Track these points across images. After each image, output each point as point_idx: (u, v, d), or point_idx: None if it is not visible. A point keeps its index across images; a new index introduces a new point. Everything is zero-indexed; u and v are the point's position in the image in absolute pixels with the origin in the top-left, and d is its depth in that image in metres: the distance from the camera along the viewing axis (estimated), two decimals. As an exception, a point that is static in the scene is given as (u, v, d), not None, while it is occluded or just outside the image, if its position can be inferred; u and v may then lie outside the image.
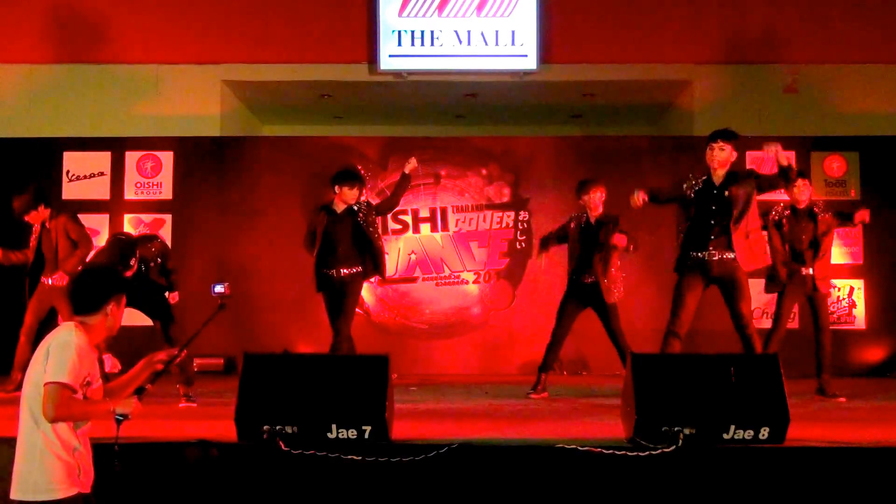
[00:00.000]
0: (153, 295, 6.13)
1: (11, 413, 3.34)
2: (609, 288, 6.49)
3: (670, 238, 8.32)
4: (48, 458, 3.05)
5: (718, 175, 5.63)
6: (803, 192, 6.51)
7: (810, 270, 6.42)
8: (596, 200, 6.61)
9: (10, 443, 3.22)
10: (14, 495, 3.07)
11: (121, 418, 3.19)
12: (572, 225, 6.75)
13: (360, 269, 6.52)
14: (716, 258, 5.54)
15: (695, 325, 5.68)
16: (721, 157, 5.60)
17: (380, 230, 6.75)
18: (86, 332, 3.22)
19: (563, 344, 6.65)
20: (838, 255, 8.90)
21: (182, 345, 3.67)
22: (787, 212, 6.56)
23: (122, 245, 5.98)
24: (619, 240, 6.40)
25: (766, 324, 7.00)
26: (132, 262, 5.86)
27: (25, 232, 6.70)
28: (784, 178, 5.50)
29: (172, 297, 6.34)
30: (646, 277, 8.70)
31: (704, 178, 5.68)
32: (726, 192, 5.55)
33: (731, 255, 5.51)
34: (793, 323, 7.00)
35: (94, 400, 3.19)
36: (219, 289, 4.23)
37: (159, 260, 6.19)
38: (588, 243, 6.58)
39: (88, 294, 3.29)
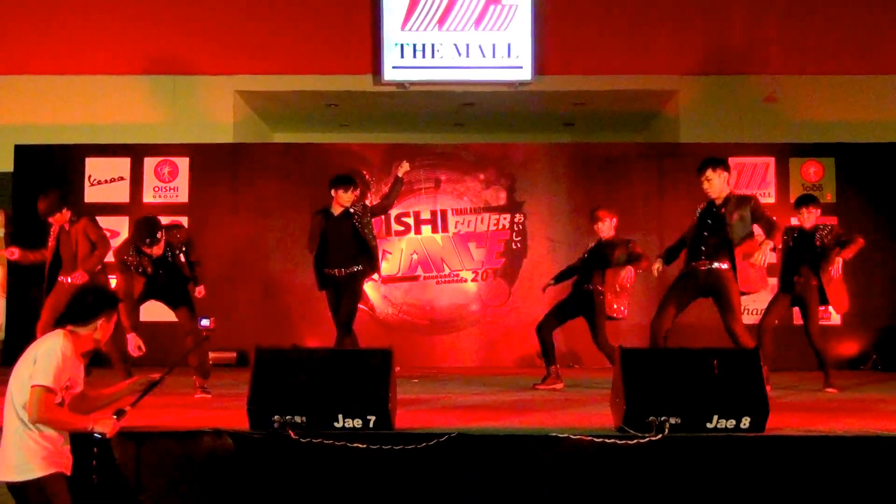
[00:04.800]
0: (177, 285, 5.91)
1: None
2: (610, 302, 6.44)
3: (658, 242, 8.35)
4: (26, 443, 3.19)
5: (719, 199, 5.60)
6: (810, 218, 6.49)
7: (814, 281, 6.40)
8: (608, 226, 6.58)
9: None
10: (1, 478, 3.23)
11: (99, 437, 3.32)
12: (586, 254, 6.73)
13: (360, 267, 6.52)
14: (704, 268, 5.50)
15: (680, 320, 5.66)
16: (712, 186, 5.53)
17: (374, 231, 6.72)
18: (74, 340, 3.33)
19: (552, 337, 6.56)
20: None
21: (164, 372, 3.70)
22: (794, 234, 6.57)
23: (147, 221, 5.72)
24: (627, 278, 6.30)
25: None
26: (159, 235, 5.62)
27: (43, 233, 6.67)
28: (771, 237, 5.38)
29: (199, 290, 6.08)
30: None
31: (710, 201, 5.66)
32: (722, 210, 5.52)
33: (723, 266, 5.44)
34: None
35: (78, 415, 3.33)
36: (205, 322, 4.28)
37: (184, 248, 5.96)
38: (594, 260, 6.58)
39: (83, 306, 3.40)
